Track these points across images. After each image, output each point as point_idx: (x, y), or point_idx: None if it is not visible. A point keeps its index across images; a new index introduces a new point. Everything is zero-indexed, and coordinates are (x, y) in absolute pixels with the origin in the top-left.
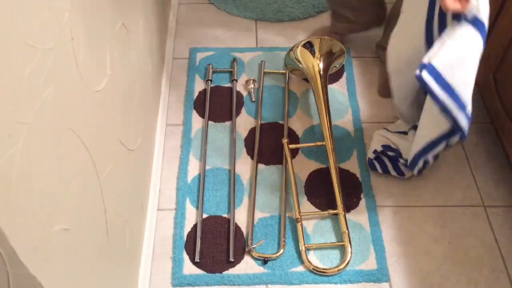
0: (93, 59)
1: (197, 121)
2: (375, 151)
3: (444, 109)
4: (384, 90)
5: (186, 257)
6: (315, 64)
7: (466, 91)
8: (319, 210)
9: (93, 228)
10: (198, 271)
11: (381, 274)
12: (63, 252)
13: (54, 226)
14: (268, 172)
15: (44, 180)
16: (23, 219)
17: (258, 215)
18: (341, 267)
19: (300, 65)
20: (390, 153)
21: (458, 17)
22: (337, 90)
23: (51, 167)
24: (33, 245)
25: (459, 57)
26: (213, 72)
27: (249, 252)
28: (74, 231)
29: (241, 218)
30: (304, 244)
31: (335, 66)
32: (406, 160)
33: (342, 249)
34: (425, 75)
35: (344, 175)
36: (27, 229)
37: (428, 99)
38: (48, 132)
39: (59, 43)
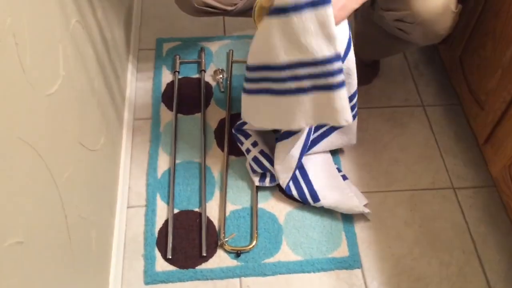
0: (43, 62)
1: (165, 114)
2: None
3: None
4: None
5: (158, 254)
6: None
7: None
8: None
9: (52, 236)
10: (171, 268)
11: (353, 261)
12: (18, 266)
13: (5, 241)
14: (239, 163)
15: None
16: None
17: (230, 207)
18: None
19: None
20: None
21: None
22: None
23: None
24: None
25: None
26: (181, 63)
27: (221, 246)
28: (29, 242)
29: (212, 211)
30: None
31: None
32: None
33: (316, 238)
34: None
35: None
36: None
37: None
38: None
39: (1, 50)
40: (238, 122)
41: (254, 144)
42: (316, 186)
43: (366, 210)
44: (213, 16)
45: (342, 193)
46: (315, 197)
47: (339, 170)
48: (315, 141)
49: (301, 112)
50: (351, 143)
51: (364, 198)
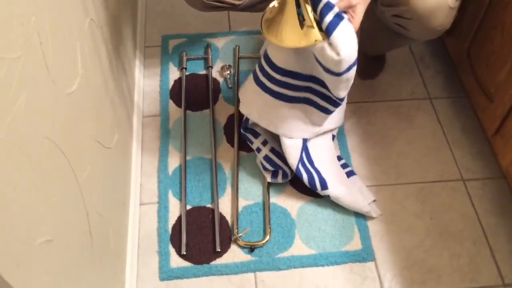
0: (64, 60)
1: (174, 111)
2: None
3: None
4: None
5: (172, 250)
6: None
7: None
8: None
9: (76, 234)
10: (186, 263)
11: (366, 254)
12: (48, 263)
13: (36, 239)
14: (250, 158)
15: (21, 194)
16: (2, 237)
17: (242, 203)
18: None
19: None
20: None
21: None
22: None
23: (28, 179)
24: (16, 263)
25: None
26: (187, 59)
27: (235, 241)
28: (57, 240)
29: (225, 207)
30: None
31: None
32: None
33: (328, 232)
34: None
35: None
36: (8, 247)
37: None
38: (22, 144)
39: (27, 49)
40: (243, 120)
41: (264, 143)
42: (324, 175)
43: (374, 215)
44: (220, 10)
45: (349, 188)
46: (324, 185)
47: (347, 165)
48: None
49: (291, 120)
50: (339, 124)
51: (371, 195)
